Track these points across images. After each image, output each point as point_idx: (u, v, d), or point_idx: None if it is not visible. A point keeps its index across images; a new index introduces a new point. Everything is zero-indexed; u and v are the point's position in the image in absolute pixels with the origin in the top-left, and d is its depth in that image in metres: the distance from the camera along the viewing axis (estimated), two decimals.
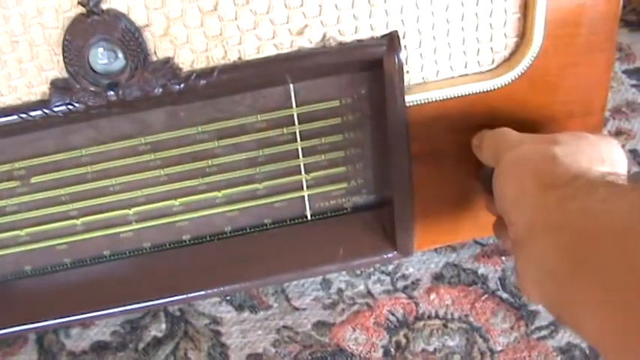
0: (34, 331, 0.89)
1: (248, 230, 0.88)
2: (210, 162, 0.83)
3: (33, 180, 0.82)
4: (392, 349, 0.85)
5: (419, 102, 0.78)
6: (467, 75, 0.79)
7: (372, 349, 0.85)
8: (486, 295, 0.88)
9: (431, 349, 0.84)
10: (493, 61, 0.79)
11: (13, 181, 0.82)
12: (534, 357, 0.83)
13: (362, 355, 0.84)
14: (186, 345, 0.89)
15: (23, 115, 0.74)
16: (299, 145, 0.83)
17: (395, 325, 0.87)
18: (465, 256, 0.92)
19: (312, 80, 0.79)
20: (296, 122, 0.81)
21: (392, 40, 0.75)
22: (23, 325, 0.86)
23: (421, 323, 0.86)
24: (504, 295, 0.87)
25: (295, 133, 0.82)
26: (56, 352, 0.90)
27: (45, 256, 0.86)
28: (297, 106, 0.81)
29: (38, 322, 0.86)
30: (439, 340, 0.85)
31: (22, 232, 0.85)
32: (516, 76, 0.78)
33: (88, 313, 0.86)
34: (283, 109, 0.81)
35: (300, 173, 0.84)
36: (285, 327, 0.89)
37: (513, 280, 0.88)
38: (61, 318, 0.86)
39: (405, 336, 0.85)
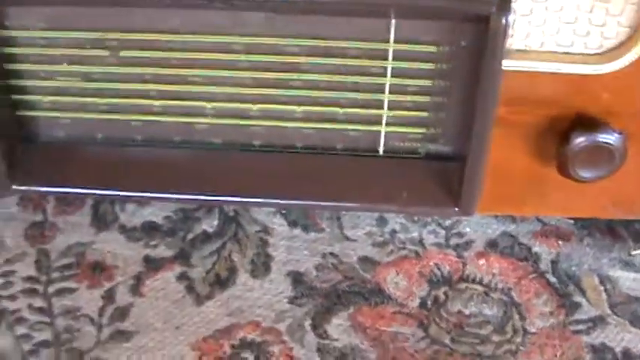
0: (92, 197, 0.92)
1: (318, 151, 0.88)
2: (296, 76, 0.83)
3: (122, 53, 0.82)
4: (429, 303, 0.85)
5: (516, 68, 0.76)
6: (570, 54, 0.77)
7: (410, 298, 0.85)
8: (535, 275, 0.87)
9: (467, 312, 0.84)
10: (600, 46, 0.77)
11: (103, 50, 0.82)
12: (565, 348, 0.83)
13: (398, 300, 0.85)
14: (232, 247, 0.91)
15: None
16: (388, 80, 0.82)
17: (438, 279, 0.87)
18: (523, 229, 0.91)
19: (414, 20, 0.78)
20: (390, 57, 0.80)
21: (503, 1, 0.73)
22: (83, 188, 0.88)
23: (464, 285, 0.86)
24: (552, 279, 0.87)
25: (387, 68, 0.81)
26: (109, 222, 0.94)
27: (118, 128, 0.87)
28: (394, 42, 0.80)
29: (98, 189, 0.88)
30: (477, 306, 0.84)
31: (102, 101, 0.86)
32: (621, 66, 0.76)
33: (146, 192, 0.87)
34: (379, 42, 0.79)
35: (383, 109, 0.84)
36: (331, 254, 0.90)
37: (565, 266, 0.88)
38: (119, 191, 0.88)
39: (445, 293, 0.86)
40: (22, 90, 0.86)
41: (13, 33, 0.83)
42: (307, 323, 0.84)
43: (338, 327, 0.84)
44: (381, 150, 0.88)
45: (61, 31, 0.82)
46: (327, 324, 0.84)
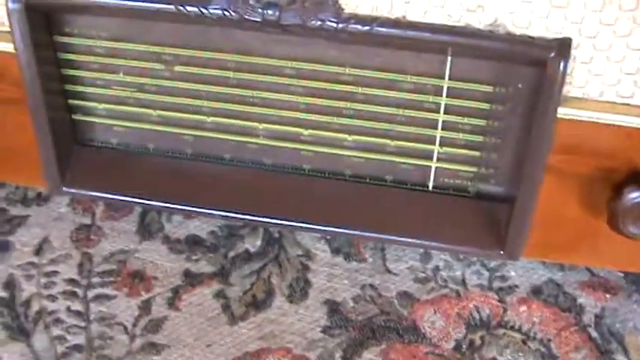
0: (140, 205, 0.93)
1: (367, 180, 0.87)
2: (349, 104, 0.82)
3: (177, 68, 0.83)
4: (464, 346, 0.83)
5: (573, 117, 0.74)
6: (630, 105, 0.74)
7: (445, 339, 0.84)
8: (576, 327, 0.84)
9: None
10: None
11: (159, 64, 0.83)
12: None
13: (432, 340, 0.83)
14: (272, 269, 0.90)
15: (180, 8, 0.75)
16: (441, 117, 0.81)
17: (476, 322, 0.85)
18: (570, 278, 0.89)
19: (470, 59, 0.77)
20: (444, 94, 0.79)
21: (563, 47, 0.71)
22: (131, 197, 0.89)
23: (502, 331, 0.84)
24: (594, 334, 0.84)
25: (440, 104, 0.80)
26: (154, 231, 0.94)
27: (170, 140, 0.88)
28: (449, 79, 0.79)
29: (145, 198, 0.89)
30: (512, 354, 0.82)
31: (155, 113, 0.87)
32: None
33: (192, 206, 0.88)
34: (435, 78, 0.79)
35: (434, 144, 0.83)
36: (371, 285, 0.88)
37: (609, 322, 0.85)
38: (167, 202, 0.89)
39: (482, 338, 0.84)
40: (79, 96, 0.88)
41: (75, 40, 0.84)
42: (338, 355, 0.83)
43: None
44: (430, 185, 0.87)
45: (120, 42, 0.83)
46: (357, 357, 0.83)
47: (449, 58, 0.77)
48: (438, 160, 0.84)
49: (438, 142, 0.83)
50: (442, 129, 0.82)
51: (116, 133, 0.89)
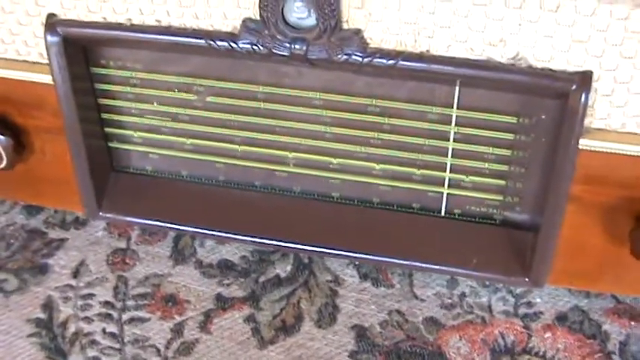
0: (174, 230, 0.95)
1: (394, 208, 0.89)
2: (376, 134, 0.84)
3: (208, 99, 0.86)
4: None
5: (594, 148, 0.76)
6: None
7: None
8: (601, 354, 0.85)
9: None
10: None
11: (191, 94, 0.86)
12: None
13: None
14: (302, 294, 0.92)
15: (210, 42, 0.77)
16: (467, 146, 0.82)
17: (501, 349, 0.86)
18: (596, 305, 0.89)
19: (494, 92, 0.78)
20: (468, 125, 0.81)
21: (584, 80, 0.72)
22: (165, 222, 0.92)
23: (526, 357, 0.85)
24: None
25: (465, 134, 0.81)
26: (187, 256, 0.96)
27: (202, 168, 0.91)
28: (473, 110, 0.80)
29: (179, 224, 0.92)
30: None
31: (188, 141, 0.89)
32: None
33: (224, 232, 0.91)
34: (459, 109, 0.80)
35: (460, 173, 0.84)
36: (398, 311, 0.90)
37: (634, 350, 0.86)
38: (200, 228, 0.92)
39: None
40: (115, 124, 0.91)
41: (110, 71, 0.87)
42: None
43: None
44: (457, 213, 0.88)
45: (154, 73, 0.86)
46: None
47: (472, 91, 0.79)
48: (464, 188, 0.85)
49: (463, 171, 0.85)
50: (468, 158, 0.83)
51: (151, 160, 0.92)
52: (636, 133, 0.76)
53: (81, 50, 0.85)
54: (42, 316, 0.91)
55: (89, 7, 0.80)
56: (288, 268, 0.94)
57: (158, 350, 0.87)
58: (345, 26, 0.74)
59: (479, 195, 0.86)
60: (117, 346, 0.87)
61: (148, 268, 0.95)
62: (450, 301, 0.91)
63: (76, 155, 0.88)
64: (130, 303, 0.91)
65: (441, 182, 0.86)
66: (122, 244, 0.98)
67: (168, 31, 0.79)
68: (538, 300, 0.90)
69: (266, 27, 0.75)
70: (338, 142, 0.85)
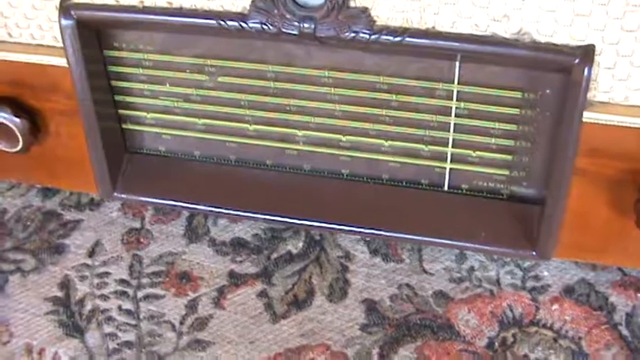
0: (187, 210, 0.97)
1: (404, 184, 0.90)
2: (385, 112, 0.85)
3: (220, 79, 0.88)
4: (496, 344, 0.86)
5: (598, 121, 0.77)
6: None
7: (478, 337, 0.86)
8: (607, 325, 0.86)
9: (532, 357, 0.84)
10: None
11: (203, 75, 0.88)
12: None
13: (466, 338, 0.86)
14: (313, 269, 0.94)
15: (221, 22, 0.79)
16: (474, 122, 0.83)
17: (509, 321, 0.87)
18: (602, 278, 0.91)
19: (499, 67, 0.80)
20: (475, 101, 0.82)
21: (586, 54, 0.74)
22: (179, 201, 0.94)
23: (534, 329, 0.86)
24: (625, 332, 0.86)
25: (472, 110, 0.83)
26: (200, 234, 0.98)
27: (214, 148, 0.93)
28: (479, 86, 0.81)
29: (192, 203, 0.94)
30: (544, 351, 0.85)
31: (200, 121, 0.91)
32: None
33: (236, 210, 0.92)
34: (465, 85, 0.81)
35: (468, 148, 0.85)
36: (407, 285, 0.91)
37: None
38: (213, 207, 0.93)
39: (514, 335, 0.86)
40: (129, 106, 0.93)
41: (123, 54, 0.89)
42: (375, 352, 0.86)
43: (404, 358, 0.85)
44: (465, 188, 0.90)
45: (166, 55, 0.88)
46: (394, 354, 0.86)
47: (477, 67, 0.81)
48: (472, 163, 0.87)
49: (470, 147, 0.86)
50: (474, 134, 0.85)
51: (164, 141, 0.94)
52: (639, 106, 0.78)
53: (94, 33, 0.87)
54: (59, 294, 0.93)
55: None
56: (300, 244, 0.96)
57: (173, 326, 0.89)
58: (352, 4, 0.76)
59: (486, 170, 0.87)
60: (133, 322, 0.89)
61: (162, 247, 0.97)
62: (458, 275, 0.92)
63: (91, 137, 0.90)
64: (145, 281, 0.93)
65: (448, 158, 0.88)
66: (136, 224, 1.00)
67: (179, 12, 0.81)
68: (545, 273, 0.92)
69: (275, 6, 0.77)
70: (347, 120, 0.87)
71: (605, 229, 0.85)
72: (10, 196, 1.05)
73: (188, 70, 0.88)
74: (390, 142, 0.87)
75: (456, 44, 0.76)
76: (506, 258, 0.93)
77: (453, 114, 0.83)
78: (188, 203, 0.94)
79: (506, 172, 0.87)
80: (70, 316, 0.90)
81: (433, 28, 0.76)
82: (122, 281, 0.93)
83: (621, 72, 0.75)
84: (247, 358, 0.86)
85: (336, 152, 0.89)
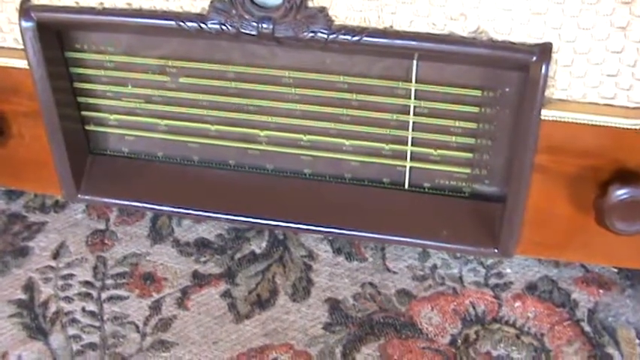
0: (151, 211, 0.97)
1: (365, 183, 0.91)
2: (345, 111, 0.86)
3: (181, 80, 0.88)
4: (459, 341, 0.86)
5: (557, 118, 0.77)
6: (613, 106, 0.77)
7: (441, 334, 0.86)
8: (569, 322, 0.87)
9: (495, 354, 0.84)
10: None
11: (164, 76, 0.88)
12: None
13: (429, 336, 0.86)
14: (277, 269, 0.94)
15: (180, 23, 0.79)
16: (434, 120, 0.83)
17: (471, 318, 0.88)
18: (565, 275, 0.91)
19: (458, 66, 0.80)
20: (435, 99, 0.82)
21: (544, 51, 0.74)
22: (142, 202, 0.94)
23: (496, 326, 0.87)
24: (587, 328, 0.86)
25: (432, 108, 0.83)
26: (164, 235, 0.98)
27: (177, 148, 0.93)
28: (438, 84, 0.81)
29: (156, 204, 0.94)
30: (506, 348, 0.85)
31: (162, 122, 0.91)
32: None
33: (200, 210, 0.93)
34: (424, 84, 0.82)
35: (429, 147, 0.86)
36: (370, 284, 0.92)
37: (602, 317, 0.88)
38: (176, 207, 0.93)
39: (477, 333, 0.86)
40: (91, 107, 0.93)
41: (85, 55, 0.89)
42: (338, 350, 0.86)
43: (367, 357, 0.86)
44: (426, 186, 0.90)
45: (128, 56, 0.88)
46: (356, 352, 0.86)
47: (435, 65, 0.81)
48: (433, 162, 0.87)
49: (431, 145, 0.87)
50: (434, 132, 0.85)
51: (127, 142, 0.94)
52: (597, 103, 0.78)
53: (55, 35, 0.87)
54: (23, 297, 0.92)
55: None
56: (263, 244, 0.96)
57: (137, 327, 0.88)
58: (310, 4, 0.76)
59: (447, 168, 0.87)
60: (97, 324, 0.89)
61: (127, 248, 0.97)
62: (421, 273, 0.93)
63: (53, 139, 0.90)
64: (109, 282, 0.93)
65: (408, 157, 0.88)
66: (101, 226, 1.00)
67: (139, 13, 0.81)
68: (508, 270, 0.92)
69: (233, 7, 0.77)
70: (308, 120, 0.87)
71: (566, 226, 0.86)
72: None
73: (150, 72, 0.88)
74: (351, 142, 0.88)
75: (414, 43, 0.76)
76: (469, 256, 0.93)
77: (412, 112, 0.84)
78: (152, 204, 0.94)
79: (468, 170, 0.87)
80: (34, 318, 0.90)
81: (391, 27, 0.76)
82: (86, 283, 0.93)
83: (578, 69, 0.76)
84: (210, 358, 0.86)
85: (298, 152, 0.90)
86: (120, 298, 0.91)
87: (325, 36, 0.77)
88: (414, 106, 0.84)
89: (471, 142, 0.85)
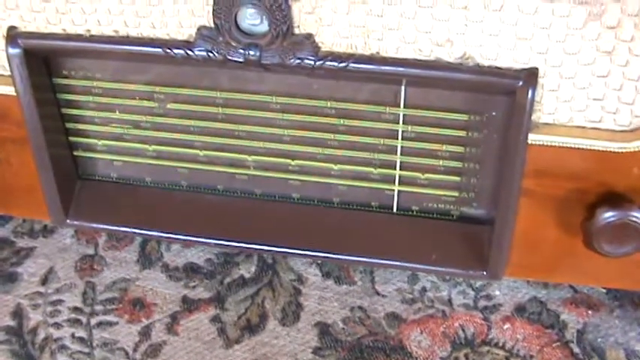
0: (140, 236, 0.97)
1: (354, 207, 0.91)
2: (333, 136, 0.86)
3: (169, 106, 0.88)
4: None
5: (544, 142, 0.78)
6: (599, 129, 0.77)
7: (430, 358, 0.86)
8: (559, 343, 0.87)
9: None
10: (630, 124, 0.77)
11: (152, 102, 0.88)
12: None
13: (419, 359, 0.87)
14: (266, 293, 0.94)
15: (168, 50, 0.79)
16: (422, 145, 0.84)
17: (461, 341, 0.88)
18: (554, 296, 0.91)
19: (445, 91, 0.81)
20: (422, 124, 0.83)
21: (530, 76, 0.74)
22: (131, 227, 0.94)
23: (485, 348, 0.87)
24: (576, 350, 0.86)
25: (419, 133, 0.83)
26: (153, 260, 0.98)
27: (165, 173, 0.93)
28: (425, 109, 0.82)
29: (144, 229, 0.94)
30: None
31: (150, 148, 0.91)
32: None
33: (189, 235, 0.92)
34: (411, 109, 0.82)
35: (416, 171, 0.86)
36: (360, 307, 0.92)
37: (591, 338, 0.88)
38: (165, 232, 0.93)
39: (466, 356, 0.86)
40: (79, 133, 0.93)
41: (72, 82, 0.89)
42: None
43: None
44: (415, 210, 0.90)
45: (115, 82, 0.88)
46: None
47: (422, 90, 0.81)
48: (421, 185, 0.88)
49: (418, 169, 0.87)
50: (422, 156, 0.85)
51: (115, 167, 0.94)
52: (583, 127, 0.78)
53: (42, 61, 0.87)
54: (12, 323, 0.92)
55: (49, 19, 0.82)
56: (253, 268, 0.96)
57: (127, 353, 0.88)
58: (296, 31, 0.76)
59: (435, 192, 0.88)
60: (86, 350, 0.89)
61: (116, 273, 0.97)
62: (410, 296, 0.93)
63: (42, 165, 0.90)
64: (99, 308, 0.93)
65: (396, 180, 0.88)
66: (90, 251, 1.00)
67: (126, 41, 0.81)
68: (497, 292, 0.92)
69: (220, 34, 0.77)
70: (296, 145, 0.87)
71: (554, 248, 0.86)
72: None
73: (138, 97, 0.88)
74: (339, 166, 0.88)
75: (401, 69, 0.76)
76: (458, 278, 0.94)
77: (400, 137, 0.84)
78: (141, 229, 0.94)
79: (456, 194, 0.87)
80: (23, 345, 0.89)
81: (378, 53, 0.77)
82: (75, 309, 0.93)
83: (565, 94, 0.76)
84: None
85: (286, 176, 0.90)
86: (109, 323, 0.91)
87: (312, 62, 0.77)
88: (402, 131, 0.84)
89: (458, 166, 0.85)
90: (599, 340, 0.88)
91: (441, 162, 0.85)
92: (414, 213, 0.89)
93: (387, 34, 0.75)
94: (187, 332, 0.90)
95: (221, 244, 0.92)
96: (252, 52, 0.77)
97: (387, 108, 0.83)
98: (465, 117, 0.82)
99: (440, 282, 0.94)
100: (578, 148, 0.78)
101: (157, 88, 0.87)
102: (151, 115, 0.89)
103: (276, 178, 0.90)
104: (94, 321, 0.92)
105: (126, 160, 0.93)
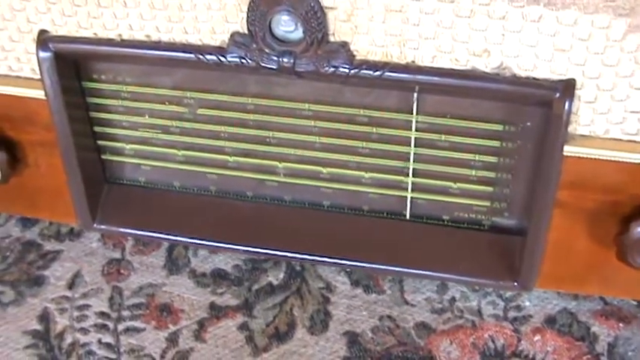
0: (167, 241, 0.97)
1: (385, 215, 0.90)
2: (364, 144, 0.85)
3: (199, 111, 0.87)
4: None
5: (579, 154, 0.77)
6: (636, 142, 0.76)
7: None
8: (589, 356, 0.86)
9: None
10: None
11: (182, 107, 0.88)
12: None
13: None
14: (294, 301, 0.93)
15: (200, 56, 0.79)
16: (454, 154, 0.83)
17: (490, 352, 0.87)
18: (584, 307, 0.91)
19: (480, 100, 0.80)
20: (454, 133, 0.82)
21: (567, 88, 0.73)
22: (158, 233, 0.94)
23: None
24: None
25: (452, 142, 0.83)
26: (180, 265, 0.98)
27: (194, 179, 0.92)
28: (460, 118, 0.81)
29: (172, 234, 0.93)
30: None
31: (179, 153, 0.91)
32: None
33: (216, 242, 0.92)
34: (444, 118, 0.81)
35: (449, 180, 0.85)
36: (389, 317, 0.91)
37: (622, 351, 0.87)
38: (193, 238, 0.93)
39: None
40: (108, 137, 0.92)
41: (102, 85, 0.89)
42: None
43: None
44: (446, 219, 0.90)
45: (145, 87, 0.88)
46: None
47: (458, 100, 0.80)
48: (453, 195, 0.87)
49: (451, 179, 0.86)
50: (455, 166, 0.85)
51: (143, 171, 0.94)
52: (620, 139, 0.77)
53: (72, 65, 0.86)
54: (38, 327, 0.92)
55: (80, 23, 0.81)
56: (281, 275, 0.96)
57: (154, 359, 0.89)
58: (331, 39, 0.76)
59: (467, 201, 0.87)
60: (113, 356, 0.88)
61: (143, 278, 0.96)
62: (440, 305, 0.92)
63: (70, 168, 0.90)
64: (126, 313, 0.92)
65: (429, 190, 0.87)
66: (117, 255, 0.99)
67: (157, 46, 0.81)
68: (527, 303, 0.91)
69: (254, 41, 0.76)
70: (327, 152, 0.87)
71: (586, 260, 0.85)
72: None
73: (167, 102, 0.87)
74: (370, 174, 0.87)
75: (437, 79, 0.76)
76: (488, 289, 0.93)
77: (433, 146, 0.83)
78: (168, 234, 0.93)
79: (488, 204, 0.87)
80: (50, 349, 0.89)
81: (413, 62, 0.76)
82: (102, 314, 0.92)
83: (602, 106, 0.75)
84: None
85: (317, 184, 0.89)
86: (136, 329, 0.91)
87: (347, 71, 0.76)
88: (435, 140, 0.83)
89: (491, 176, 0.84)
90: (630, 353, 0.87)
91: (473, 172, 0.85)
92: (445, 222, 0.89)
93: (423, 43, 0.75)
94: (215, 339, 0.90)
95: (249, 251, 0.92)
96: (286, 60, 0.76)
97: (420, 117, 0.83)
98: (499, 127, 0.81)
99: (469, 292, 0.93)
100: (614, 161, 0.77)
101: (187, 93, 0.86)
102: (180, 120, 0.88)
103: (307, 185, 0.89)
104: (121, 327, 0.91)
105: (154, 165, 0.92)
